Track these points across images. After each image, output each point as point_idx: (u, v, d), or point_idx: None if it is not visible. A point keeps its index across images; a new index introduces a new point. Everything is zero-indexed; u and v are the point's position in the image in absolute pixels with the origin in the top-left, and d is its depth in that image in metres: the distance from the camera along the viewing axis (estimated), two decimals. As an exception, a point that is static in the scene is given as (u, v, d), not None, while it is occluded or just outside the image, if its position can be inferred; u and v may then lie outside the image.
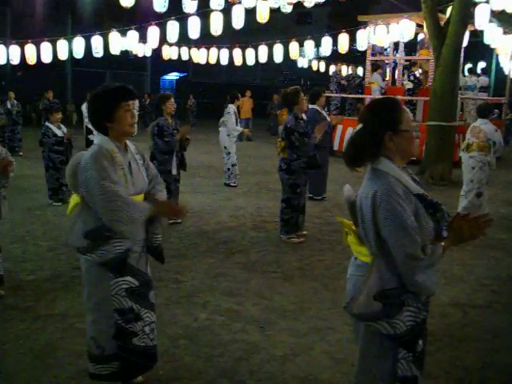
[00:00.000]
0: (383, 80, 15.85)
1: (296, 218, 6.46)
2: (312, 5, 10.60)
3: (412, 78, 14.32)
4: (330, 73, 19.75)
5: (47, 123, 8.28)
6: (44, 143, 8.24)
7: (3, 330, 3.95)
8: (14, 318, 4.17)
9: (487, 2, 10.03)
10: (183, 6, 10.15)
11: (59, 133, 8.23)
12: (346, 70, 18.70)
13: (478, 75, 17.17)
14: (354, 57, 20.44)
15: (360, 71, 19.14)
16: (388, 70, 16.80)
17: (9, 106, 14.42)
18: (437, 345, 3.87)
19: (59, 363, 3.49)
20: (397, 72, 16.55)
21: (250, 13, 10.98)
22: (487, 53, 18.10)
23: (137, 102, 20.44)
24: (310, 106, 8.51)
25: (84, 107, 15.06)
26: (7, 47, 12.86)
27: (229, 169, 10.10)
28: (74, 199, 3.00)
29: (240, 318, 4.27)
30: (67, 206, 3.09)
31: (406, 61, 16.81)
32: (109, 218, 2.77)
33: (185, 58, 17.73)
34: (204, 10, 11.17)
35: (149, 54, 16.95)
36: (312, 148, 6.32)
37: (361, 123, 2.37)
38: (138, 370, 3.10)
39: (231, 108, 10.02)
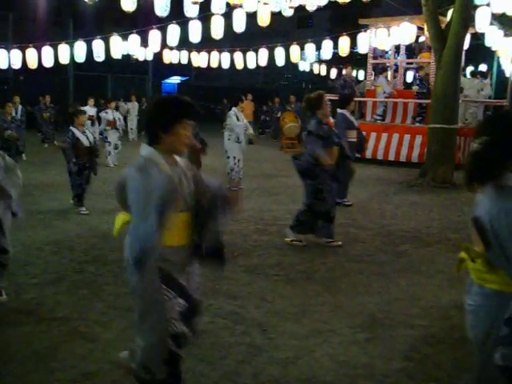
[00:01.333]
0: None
1: (313, 223, 6.37)
2: (314, 8, 10.61)
3: (418, 82, 14.30)
4: (333, 76, 19.77)
5: (71, 127, 7.98)
6: (64, 150, 7.93)
7: (7, 334, 3.96)
8: (17, 321, 4.18)
9: (488, 4, 10.04)
10: (185, 10, 10.18)
11: (83, 138, 7.91)
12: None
13: (483, 74, 17.16)
14: (355, 60, 20.45)
15: (361, 74, 19.17)
16: (389, 73, 16.82)
17: (13, 113, 14.29)
18: (439, 347, 3.88)
19: (63, 366, 3.50)
20: (397, 75, 16.58)
21: (251, 16, 11.01)
22: (488, 55, 18.10)
23: (136, 105, 20.49)
24: (339, 111, 8.46)
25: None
26: (9, 51, 12.90)
27: (228, 173, 10.15)
28: (121, 218, 2.85)
29: (242, 321, 4.27)
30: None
31: (408, 63, 16.84)
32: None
33: (186, 61, 17.77)
34: (205, 14, 11.20)
35: (150, 57, 16.99)
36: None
37: (483, 136, 2.24)
38: None
39: (233, 110, 10.12)
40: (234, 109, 10.18)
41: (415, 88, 14.44)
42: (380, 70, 16.08)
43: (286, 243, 6.46)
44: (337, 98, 9.87)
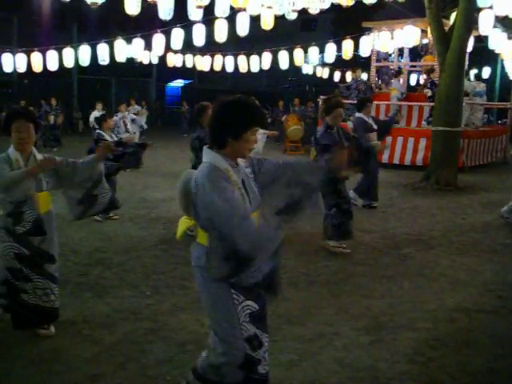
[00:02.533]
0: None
1: (347, 224, 6.29)
2: (317, 11, 10.61)
3: (429, 85, 14.27)
4: (336, 79, 19.77)
5: (99, 130, 7.86)
6: (93, 151, 7.82)
7: (11, 336, 3.97)
8: (21, 324, 4.19)
9: (491, 7, 10.04)
10: (188, 14, 10.19)
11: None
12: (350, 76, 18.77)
13: (483, 80, 17.17)
14: (359, 63, 20.49)
15: (364, 77, 19.21)
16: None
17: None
18: (442, 350, 3.88)
19: (66, 369, 3.51)
20: (401, 78, 16.58)
21: (255, 20, 11.02)
22: (492, 58, 18.12)
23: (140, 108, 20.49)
24: (357, 115, 8.40)
25: (92, 117, 15.02)
26: (14, 55, 12.98)
27: None
28: (185, 222, 2.80)
29: (246, 324, 4.27)
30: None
31: (411, 66, 16.82)
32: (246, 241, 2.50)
33: (190, 65, 17.81)
34: (209, 18, 11.23)
35: (154, 61, 17.02)
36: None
37: None
38: None
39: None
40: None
41: (427, 91, 14.38)
42: (394, 73, 16.05)
43: (327, 248, 6.29)
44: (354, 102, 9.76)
